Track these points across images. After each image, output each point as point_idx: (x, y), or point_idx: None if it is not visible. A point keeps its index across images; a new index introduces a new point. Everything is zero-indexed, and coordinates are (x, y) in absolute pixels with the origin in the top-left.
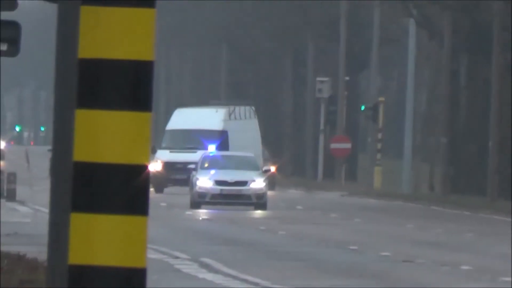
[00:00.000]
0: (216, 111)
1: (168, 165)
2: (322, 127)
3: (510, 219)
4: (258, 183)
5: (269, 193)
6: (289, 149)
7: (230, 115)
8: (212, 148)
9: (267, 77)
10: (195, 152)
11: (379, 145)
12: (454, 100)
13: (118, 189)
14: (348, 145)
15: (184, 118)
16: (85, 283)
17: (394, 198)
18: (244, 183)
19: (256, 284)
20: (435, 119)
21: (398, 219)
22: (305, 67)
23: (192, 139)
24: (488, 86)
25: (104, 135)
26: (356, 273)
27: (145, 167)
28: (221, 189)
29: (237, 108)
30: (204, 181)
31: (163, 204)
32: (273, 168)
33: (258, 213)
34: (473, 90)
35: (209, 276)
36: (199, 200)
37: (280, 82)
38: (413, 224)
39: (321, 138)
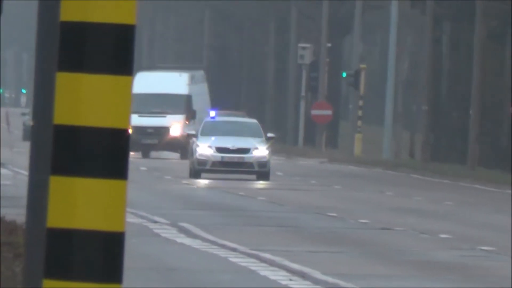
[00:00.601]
0: (180, 75)
1: (138, 130)
2: (303, 93)
3: (490, 188)
4: (261, 151)
5: None
6: (270, 115)
7: (191, 79)
8: (212, 114)
9: (250, 42)
10: (165, 117)
11: (360, 112)
12: (436, 67)
13: (98, 153)
14: (329, 112)
15: (149, 82)
16: (64, 246)
17: (375, 165)
18: (246, 150)
19: (234, 249)
20: (417, 86)
21: (378, 186)
22: (288, 33)
23: (159, 103)
24: (470, 54)
25: (84, 99)
26: (335, 240)
27: (126, 131)
28: (222, 157)
29: (196, 73)
30: (205, 148)
31: (143, 168)
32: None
33: (237, 177)
34: (456, 57)
35: (187, 241)
36: (199, 168)
37: (263, 48)
38: (392, 192)
39: (302, 104)
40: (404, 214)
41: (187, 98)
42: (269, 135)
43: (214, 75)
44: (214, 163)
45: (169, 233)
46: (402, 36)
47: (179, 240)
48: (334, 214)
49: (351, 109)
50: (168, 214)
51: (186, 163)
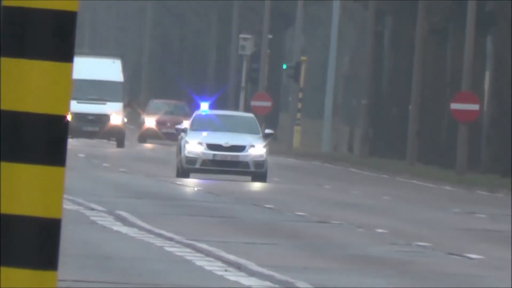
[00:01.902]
0: (113, 62)
1: (78, 117)
2: (243, 84)
3: (427, 184)
4: (257, 149)
5: None
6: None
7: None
8: (204, 106)
9: (192, 32)
10: (105, 104)
11: (299, 105)
12: (377, 62)
13: (37, 139)
14: (268, 103)
15: (85, 68)
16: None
17: (313, 158)
18: (241, 148)
19: (170, 238)
20: (357, 80)
21: (316, 179)
22: (229, 23)
23: (97, 90)
24: (411, 49)
25: (25, 84)
26: (271, 231)
27: (65, 117)
28: (214, 155)
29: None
30: (194, 145)
31: (81, 155)
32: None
33: (171, 166)
34: (397, 52)
35: (124, 229)
36: (188, 166)
37: (204, 38)
38: (330, 185)
39: (242, 95)
40: (341, 208)
41: (123, 86)
42: (267, 131)
43: (155, 64)
44: (205, 162)
45: (105, 220)
46: (344, 30)
47: (115, 228)
48: (271, 206)
49: (290, 101)
50: (105, 201)
51: (122, 151)
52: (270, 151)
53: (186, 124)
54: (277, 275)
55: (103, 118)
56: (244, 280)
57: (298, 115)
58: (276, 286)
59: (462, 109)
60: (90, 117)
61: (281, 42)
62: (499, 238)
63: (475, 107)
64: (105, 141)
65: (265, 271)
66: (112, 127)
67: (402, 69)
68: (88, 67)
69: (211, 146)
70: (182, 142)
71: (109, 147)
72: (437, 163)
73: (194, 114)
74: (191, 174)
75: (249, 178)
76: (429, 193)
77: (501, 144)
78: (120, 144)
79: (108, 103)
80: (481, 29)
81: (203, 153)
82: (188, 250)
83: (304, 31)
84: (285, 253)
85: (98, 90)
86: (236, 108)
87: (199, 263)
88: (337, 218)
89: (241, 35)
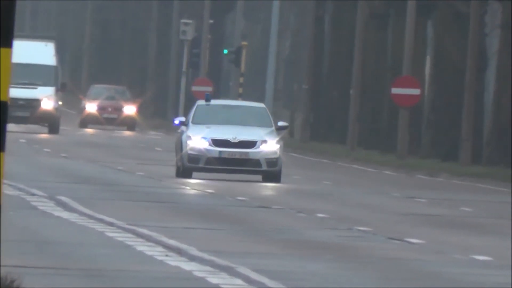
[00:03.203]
0: (46, 45)
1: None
2: (184, 69)
3: (368, 168)
4: (270, 145)
5: (128, 133)
6: (152, 90)
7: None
8: (208, 96)
9: (133, 17)
10: (36, 88)
11: (240, 89)
12: (318, 46)
13: None
14: (209, 88)
15: (15, 51)
16: None
17: None
18: (251, 144)
19: (111, 223)
20: (298, 65)
21: None
22: (170, 8)
23: (28, 74)
24: (352, 34)
25: None
26: (212, 216)
27: (5, 103)
28: (221, 152)
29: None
30: (198, 141)
31: (22, 140)
32: (134, 109)
33: (112, 151)
34: (338, 37)
35: (64, 214)
36: (190, 165)
37: (146, 22)
38: None
39: (183, 80)
40: (281, 192)
41: (56, 70)
42: (280, 124)
43: (96, 49)
44: (210, 160)
45: (46, 206)
46: (285, 15)
47: (56, 213)
48: (212, 191)
49: (231, 86)
50: (46, 187)
51: (63, 137)
52: None
53: (182, 115)
54: (217, 260)
55: (33, 103)
56: (185, 265)
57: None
58: (217, 270)
59: (403, 94)
60: (21, 102)
61: (222, 27)
62: (439, 222)
63: (415, 91)
64: (39, 126)
65: (206, 256)
66: (43, 112)
67: (343, 54)
68: (19, 50)
69: (216, 142)
70: (183, 137)
71: (41, 133)
72: (378, 147)
73: (196, 105)
74: (194, 174)
75: (260, 177)
76: (369, 178)
77: (441, 128)
78: (53, 130)
79: (40, 88)
80: (422, 13)
81: (208, 150)
82: (129, 235)
83: (245, 16)
84: (226, 238)
85: (29, 74)
86: (177, 93)
87: (139, 248)
88: (278, 202)
89: (182, 20)
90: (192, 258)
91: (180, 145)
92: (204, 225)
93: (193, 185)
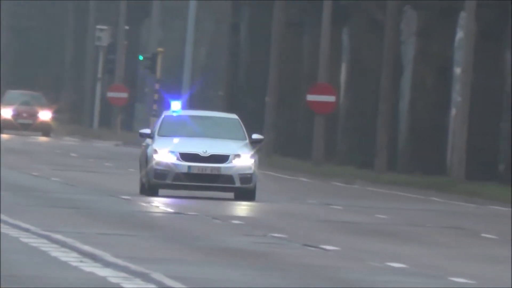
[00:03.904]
0: None
1: None
2: (100, 75)
3: (284, 175)
4: (244, 159)
5: (43, 139)
6: (67, 96)
7: None
8: (176, 106)
9: (49, 22)
10: None
11: (156, 96)
12: (234, 53)
13: None
14: (125, 95)
15: None
16: None
17: None
18: (223, 158)
19: (27, 229)
20: (214, 72)
21: None
22: (86, 13)
23: None
24: (268, 41)
25: None
26: (128, 223)
27: None
28: (190, 167)
29: None
30: (164, 155)
31: None
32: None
33: (27, 157)
34: (254, 44)
35: None
36: (157, 181)
37: (62, 28)
38: None
39: (99, 86)
40: (197, 199)
41: None
42: (255, 136)
43: (11, 55)
44: (178, 176)
45: None
46: (201, 21)
47: None
48: (128, 197)
49: (147, 92)
50: None
51: None
52: (126, 142)
53: (147, 127)
54: (132, 266)
55: None
56: (99, 270)
57: (155, 106)
58: (131, 276)
59: (319, 101)
60: None
61: (137, 33)
62: (355, 229)
63: (331, 98)
64: None
65: (120, 262)
66: None
67: (259, 61)
68: None
69: (185, 156)
70: (148, 150)
71: None
72: (294, 154)
73: (162, 115)
74: (160, 191)
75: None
76: (285, 184)
77: (357, 135)
78: None
79: None
80: (338, 21)
81: (176, 165)
82: (44, 241)
83: (161, 23)
84: (142, 244)
85: None
86: (93, 99)
87: (54, 253)
88: (193, 209)
89: (98, 26)
90: (107, 264)
91: (145, 160)
92: (119, 231)
93: (110, 192)
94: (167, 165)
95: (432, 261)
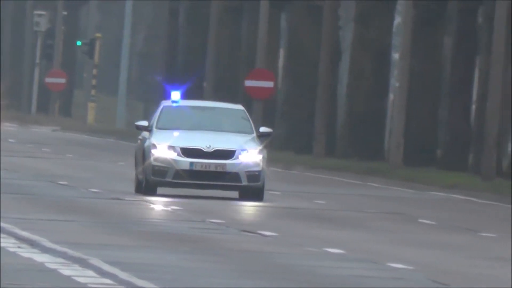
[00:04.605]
0: None
1: None
2: (38, 60)
3: None
4: (251, 155)
5: None
6: (5, 81)
7: None
8: (176, 96)
9: None
10: None
11: (94, 81)
12: (173, 39)
13: None
14: (63, 80)
15: None
16: None
17: (108, 134)
18: (229, 153)
19: None
20: (152, 57)
21: (110, 156)
22: None
23: None
24: (207, 27)
25: None
26: (66, 208)
27: None
28: (192, 163)
29: None
30: (164, 150)
31: None
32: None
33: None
34: (192, 30)
35: None
36: (155, 179)
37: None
38: (125, 162)
39: (37, 71)
40: (133, 184)
41: None
42: (263, 130)
43: None
44: (179, 173)
45: None
46: (140, 6)
47: None
48: (66, 183)
49: (85, 78)
50: None
51: None
52: (64, 128)
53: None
54: (70, 252)
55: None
56: (37, 256)
57: (93, 92)
58: (69, 262)
59: (257, 86)
60: None
61: (76, 18)
62: (293, 215)
63: (269, 84)
64: None
65: (58, 247)
66: None
67: (197, 46)
68: None
69: (187, 151)
70: (146, 145)
71: None
72: None
73: (161, 106)
74: (159, 189)
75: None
76: None
77: (295, 121)
78: None
79: None
80: (276, 6)
81: (176, 161)
82: None
83: (99, 8)
84: (80, 230)
85: None
86: (31, 85)
87: None
88: (131, 193)
89: (36, 11)
90: (45, 250)
91: (141, 155)
92: (58, 217)
93: (49, 177)
94: (166, 161)
95: (370, 246)
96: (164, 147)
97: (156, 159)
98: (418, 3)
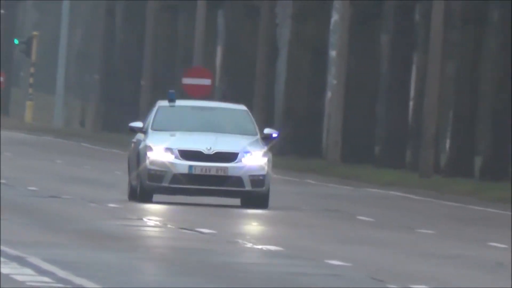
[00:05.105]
0: None
1: None
2: None
3: None
4: (255, 158)
5: None
6: None
7: None
8: (172, 95)
9: None
10: None
11: (31, 79)
12: (110, 37)
13: None
14: (0, 78)
15: None
16: None
17: (45, 133)
18: (231, 156)
19: None
20: (90, 56)
21: (48, 154)
22: None
23: None
24: (144, 26)
25: None
26: (3, 206)
27: None
28: (191, 167)
29: None
30: (160, 152)
31: None
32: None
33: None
34: (129, 28)
35: None
36: (151, 185)
37: None
38: (62, 160)
39: None
40: (73, 183)
41: None
42: (268, 131)
43: None
44: (177, 178)
45: None
46: (77, 5)
47: None
48: (4, 181)
49: (22, 76)
50: None
51: None
52: (2, 126)
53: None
54: (7, 250)
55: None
56: None
57: (30, 90)
58: (7, 260)
59: (194, 84)
60: None
61: (13, 17)
62: (231, 212)
63: (207, 81)
64: None
65: None
66: None
67: (134, 45)
68: None
69: (185, 154)
70: (140, 147)
71: None
72: None
73: (156, 106)
74: (155, 196)
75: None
76: None
77: None
78: None
79: None
80: (213, 4)
81: (174, 165)
82: None
83: (36, 6)
84: (17, 228)
85: None
86: None
87: None
88: (69, 192)
89: None
90: None
91: (136, 159)
92: None
93: None
94: (163, 164)
95: (308, 243)
96: (160, 149)
97: (152, 163)
98: (355, 1)
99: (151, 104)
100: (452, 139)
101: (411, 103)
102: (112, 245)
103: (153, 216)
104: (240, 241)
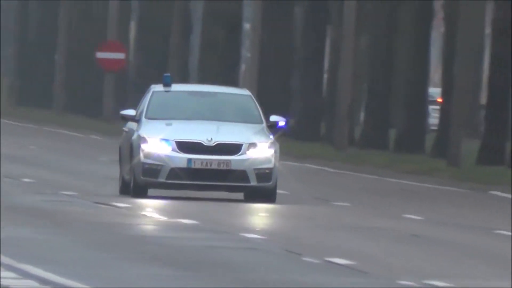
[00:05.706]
0: None
1: None
2: None
3: (76, 134)
4: (261, 149)
5: None
6: None
7: None
8: (168, 79)
9: None
10: None
11: None
12: (24, 13)
13: None
14: None
15: None
16: None
17: None
18: (234, 148)
19: None
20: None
21: None
22: None
23: None
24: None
25: None
26: None
27: None
28: (190, 160)
29: None
30: (156, 144)
31: None
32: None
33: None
34: (43, 3)
35: None
36: (145, 180)
37: None
38: None
39: None
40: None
41: None
42: (274, 118)
43: None
44: (174, 172)
45: None
46: None
47: None
48: None
49: None
50: None
51: None
52: None
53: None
54: None
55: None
56: None
57: None
58: None
59: (108, 58)
60: None
61: None
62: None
63: (120, 56)
64: None
65: None
66: None
67: (49, 19)
68: None
69: (183, 146)
70: (134, 138)
71: None
72: (85, 112)
73: (150, 91)
74: (150, 191)
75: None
76: (77, 143)
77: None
78: None
79: None
80: None
81: (171, 158)
82: None
83: None
84: None
85: None
86: None
87: None
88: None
89: None
90: None
91: (128, 151)
92: None
93: None
94: (159, 158)
95: (223, 217)
96: (156, 141)
97: (146, 156)
98: None
99: (67, 79)
100: (367, 111)
101: (325, 76)
102: (28, 220)
103: (68, 191)
104: (156, 215)
